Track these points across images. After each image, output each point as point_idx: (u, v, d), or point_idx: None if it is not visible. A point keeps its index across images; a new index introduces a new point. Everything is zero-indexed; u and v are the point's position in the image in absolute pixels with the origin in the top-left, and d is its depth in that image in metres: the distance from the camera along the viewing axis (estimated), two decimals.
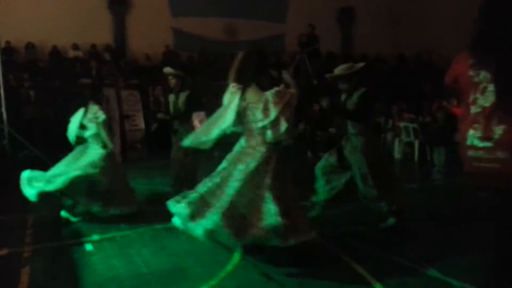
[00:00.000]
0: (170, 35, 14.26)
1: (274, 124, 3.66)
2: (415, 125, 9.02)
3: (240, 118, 3.82)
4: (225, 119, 3.77)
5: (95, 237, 4.64)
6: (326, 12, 15.58)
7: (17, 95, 10.34)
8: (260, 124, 3.70)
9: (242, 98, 3.81)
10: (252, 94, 3.81)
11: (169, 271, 3.71)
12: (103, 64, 12.48)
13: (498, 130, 2.23)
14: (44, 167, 8.56)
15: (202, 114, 12.08)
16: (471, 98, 2.36)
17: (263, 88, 3.82)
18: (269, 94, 3.73)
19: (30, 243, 4.64)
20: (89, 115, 5.47)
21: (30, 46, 12.21)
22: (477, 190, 2.42)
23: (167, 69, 5.99)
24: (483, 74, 2.33)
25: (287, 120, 3.67)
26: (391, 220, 4.57)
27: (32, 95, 10.51)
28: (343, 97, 4.72)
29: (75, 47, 12.80)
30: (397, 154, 9.51)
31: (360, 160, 4.54)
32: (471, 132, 2.34)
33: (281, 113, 3.65)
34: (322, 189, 4.91)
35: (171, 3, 14.23)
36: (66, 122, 5.76)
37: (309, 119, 10.69)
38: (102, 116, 5.43)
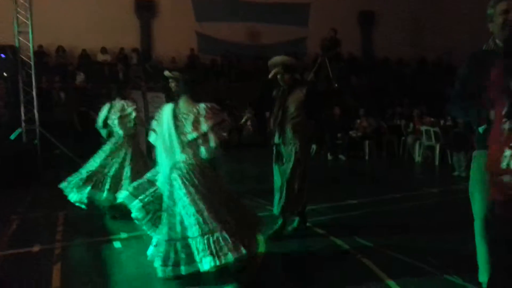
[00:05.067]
0: (195, 39, 14.55)
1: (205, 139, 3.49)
2: (436, 129, 9.02)
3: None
4: None
5: (123, 235, 4.77)
6: (347, 15, 15.62)
7: (49, 97, 10.75)
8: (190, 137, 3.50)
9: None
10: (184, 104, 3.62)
11: None
12: (129, 67, 12.84)
13: None
14: (74, 165, 8.94)
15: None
16: (505, 110, 1.98)
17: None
18: (201, 107, 3.54)
19: (61, 240, 4.78)
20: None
21: (60, 50, 12.67)
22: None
23: (165, 72, 6.17)
24: None
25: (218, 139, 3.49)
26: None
27: (63, 97, 10.90)
28: None
29: (104, 50, 13.20)
30: (417, 157, 9.51)
31: None
32: (507, 152, 1.90)
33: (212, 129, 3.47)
34: None
35: (196, 8, 14.50)
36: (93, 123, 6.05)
37: (329, 122, 10.78)
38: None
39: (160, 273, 3.43)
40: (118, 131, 5.63)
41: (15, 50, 8.93)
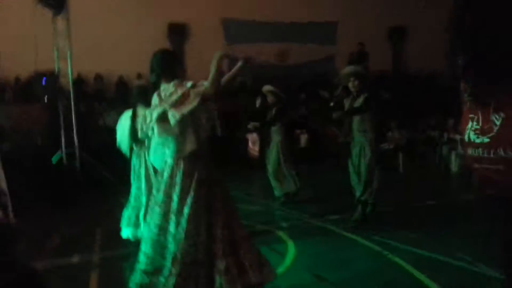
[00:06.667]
0: (225, 61, 14.87)
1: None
2: None
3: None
4: None
5: None
6: (376, 32, 15.60)
7: (89, 122, 11.23)
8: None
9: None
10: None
11: None
12: None
13: (497, 120, 1.62)
14: (113, 187, 9.25)
15: (255, 135, 12.40)
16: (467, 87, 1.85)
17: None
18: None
19: (99, 251, 5.05)
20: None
21: (98, 77, 13.28)
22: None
23: (266, 87, 7.07)
24: None
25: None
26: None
27: (101, 122, 11.37)
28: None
29: (139, 76, 13.67)
30: (454, 168, 9.27)
31: None
32: (469, 124, 1.77)
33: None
34: None
35: (225, 31, 14.94)
36: None
37: None
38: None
39: None
40: None
41: (55, 76, 9.41)
